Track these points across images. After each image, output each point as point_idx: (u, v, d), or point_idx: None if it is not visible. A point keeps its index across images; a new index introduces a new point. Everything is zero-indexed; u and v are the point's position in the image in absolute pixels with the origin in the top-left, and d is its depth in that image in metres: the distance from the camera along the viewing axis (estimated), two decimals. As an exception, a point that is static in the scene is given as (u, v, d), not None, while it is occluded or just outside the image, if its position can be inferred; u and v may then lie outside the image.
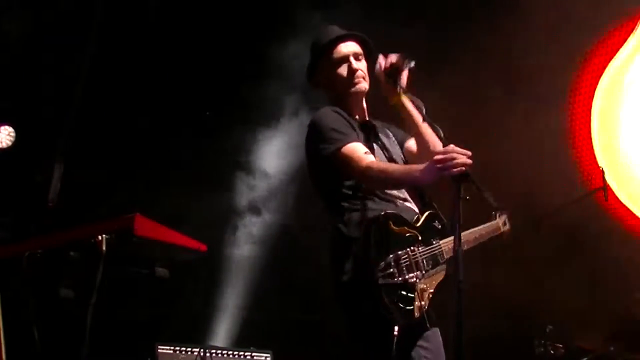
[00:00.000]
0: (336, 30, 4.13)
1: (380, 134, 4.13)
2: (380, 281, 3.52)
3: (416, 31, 6.57)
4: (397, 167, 3.88)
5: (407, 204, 3.93)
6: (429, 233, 3.83)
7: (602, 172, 6.07)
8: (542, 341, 5.91)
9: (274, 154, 7.27)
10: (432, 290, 3.70)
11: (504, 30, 6.55)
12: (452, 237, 3.78)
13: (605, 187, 5.96)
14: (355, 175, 3.81)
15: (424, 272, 3.68)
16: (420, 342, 3.72)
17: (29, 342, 5.09)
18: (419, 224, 3.83)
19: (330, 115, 3.96)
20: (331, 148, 3.83)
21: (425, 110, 3.85)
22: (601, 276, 6.43)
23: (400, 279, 3.57)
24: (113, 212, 5.60)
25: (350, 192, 3.87)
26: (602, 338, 6.17)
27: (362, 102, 4.15)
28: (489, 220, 4.29)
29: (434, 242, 3.81)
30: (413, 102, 3.93)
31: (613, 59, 6.98)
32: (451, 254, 3.76)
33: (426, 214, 3.90)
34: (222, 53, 7.19)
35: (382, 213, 3.71)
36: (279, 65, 6.85)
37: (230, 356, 5.71)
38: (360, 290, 3.61)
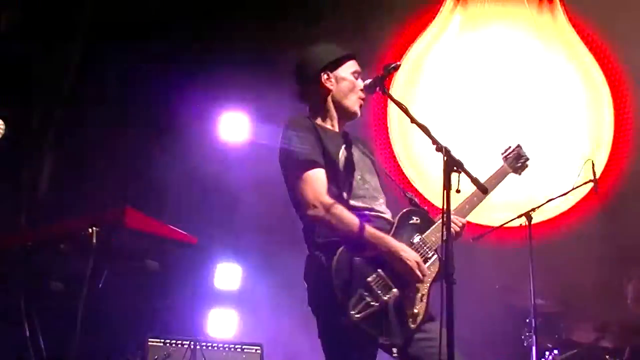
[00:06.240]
0: (339, 50, 4.12)
1: (359, 150, 4.08)
2: (356, 318, 3.51)
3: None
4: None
5: (378, 213, 3.87)
6: (406, 236, 3.80)
7: (592, 164, 6.06)
8: (532, 333, 5.92)
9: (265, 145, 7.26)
10: (424, 292, 3.70)
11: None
12: (435, 225, 3.83)
13: (595, 179, 5.95)
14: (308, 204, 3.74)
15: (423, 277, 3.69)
16: (418, 335, 3.73)
17: (19, 334, 5.09)
18: (390, 235, 3.77)
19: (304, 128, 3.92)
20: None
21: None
22: (591, 268, 6.44)
23: (377, 303, 3.57)
24: (103, 204, 5.60)
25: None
26: (592, 330, 6.18)
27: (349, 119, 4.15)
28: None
29: (414, 242, 3.79)
30: (396, 104, 3.90)
31: (412, 46, 7.24)
32: (439, 241, 3.76)
33: (397, 219, 3.86)
34: (211, 42, 7.19)
35: (342, 248, 3.64)
36: (269, 55, 6.88)
37: (221, 349, 5.72)
38: (343, 333, 3.59)
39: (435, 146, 3.45)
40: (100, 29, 7.01)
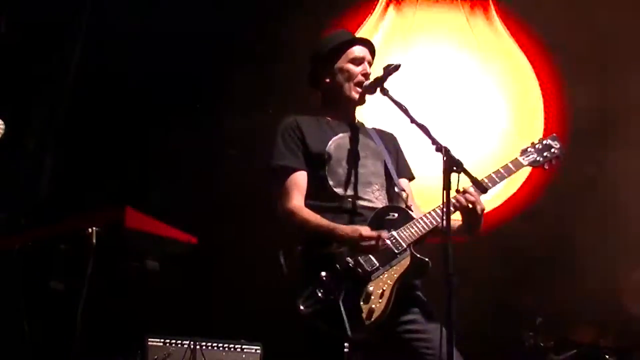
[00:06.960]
0: (341, 38, 4.16)
1: (366, 137, 4.11)
2: (305, 311, 3.58)
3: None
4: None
5: (365, 202, 3.91)
6: (379, 230, 3.77)
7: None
8: (531, 333, 5.93)
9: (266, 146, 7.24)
10: (385, 288, 3.67)
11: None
12: (411, 221, 3.82)
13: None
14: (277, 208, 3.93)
15: (363, 275, 3.68)
16: (416, 330, 3.74)
17: (19, 334, 5.09)
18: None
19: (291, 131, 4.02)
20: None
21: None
22: (591, 268, 6.44)
23: (327, 297, 3.59)
24: (103, 204, 5.60)
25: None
26: (592, 330, 6.19)
27: (355, 107, 4.18)
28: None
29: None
30: (396, 105, 3.88)
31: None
32: (416, 236, 3.77)
33: (373, 213, 3.86)
34: (212, 43, 7.18)
35: (300, 247, 3.76)
36: (270, 56, 6.88)
37: (221, 348, 5.71)
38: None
39: (435, 146, 3.45)
40: (100, 29, 7.01)
